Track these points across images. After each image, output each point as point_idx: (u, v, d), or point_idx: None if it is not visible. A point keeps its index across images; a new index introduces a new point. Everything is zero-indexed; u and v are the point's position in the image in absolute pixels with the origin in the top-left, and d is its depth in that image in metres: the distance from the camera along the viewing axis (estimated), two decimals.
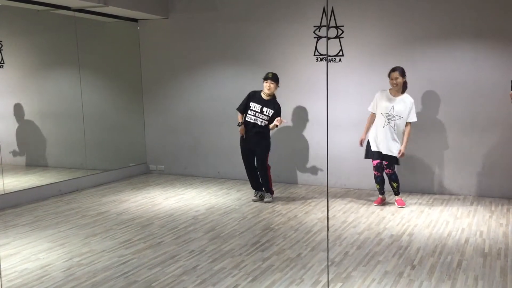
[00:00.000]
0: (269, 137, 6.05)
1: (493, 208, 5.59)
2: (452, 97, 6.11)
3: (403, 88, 5.57)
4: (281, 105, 6.03)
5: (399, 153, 5.52)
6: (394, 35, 6.30)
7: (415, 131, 5.96)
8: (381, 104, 5.57)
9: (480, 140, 6.05)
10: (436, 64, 6.13)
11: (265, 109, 5.88)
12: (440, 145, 6.24)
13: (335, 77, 6.55)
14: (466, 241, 4.49)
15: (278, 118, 5.80)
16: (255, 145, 5.95)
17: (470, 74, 6.00)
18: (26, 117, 7.04)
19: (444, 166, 6.26)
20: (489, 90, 5.93)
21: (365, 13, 6.40)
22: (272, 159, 6.38)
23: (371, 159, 5.72)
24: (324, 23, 6.51)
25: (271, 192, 6.10)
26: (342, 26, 6.46)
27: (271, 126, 5.84)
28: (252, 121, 5.91)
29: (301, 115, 6.91)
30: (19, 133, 7.02)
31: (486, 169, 6.07)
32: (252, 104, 5.92)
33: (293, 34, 6.79)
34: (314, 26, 6.62)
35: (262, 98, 5.93)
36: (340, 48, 6.50)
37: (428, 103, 6.20)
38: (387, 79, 5.97)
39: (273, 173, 6.38)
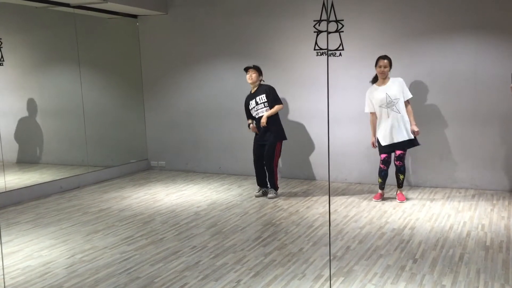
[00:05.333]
0: (279, 128, 5.97)
1: (494, 201, 5.59)
2: (453, 90, 6.10)
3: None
4: (282, 100, 6.02)
5: (414, 133, 5.49)
6: (395, 29, 6.28)
7: (417, 124, 5.93)
8: (375, 98, 5.55)
9: (481, 133, 6.04)
10: (436, 58, 6.11)
11: (258, 98, 5.91)
12: (441, 138, 6.23)
13: (336, 72, 6.54)
14: (468, 234, 4.49)
15: (263, 121, 5.81)
16: (265, 138, 5.95)
17: (470, 67, 5.99)
18: (26, 114, 7.04)
19: (446, 160, 6.25)
20: (490, 83, 5.92)
21: (365, 7, 6.37)
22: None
23: (378, 153, 5.69)
24: (324, 17, 6.48)
25: (276, 188, 6.10)
26: (342, 20, 6.41)
27: (262, 122, 5.83)
28: (257, 116, 5.93)
29: (302, 110, 6.90)
30: (19, 130, 7.02)
31: (487, 162, 6.07)
32: (249, 104, 6.00)
33: (293, 29, 6.77)
34: (314, 21, 6.56)
35: (251, 92, 5.99)
36: (340, 42, 6.47)
37: (429, 96, 6.18)
38: None
39: None
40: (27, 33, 7.05)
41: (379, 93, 5.53)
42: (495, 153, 6.01)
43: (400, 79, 5.55)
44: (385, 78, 5.55)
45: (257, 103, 5.91)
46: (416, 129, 5.49)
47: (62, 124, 7.38)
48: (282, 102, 6.02)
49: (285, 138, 6.07)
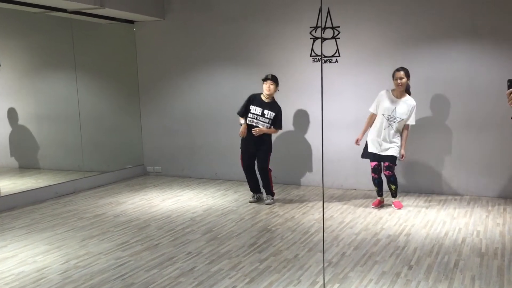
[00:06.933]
0: (270, 139, 6.01)
1: (489, 208, 5.60)
2: (449, 97, 6.12)
3: (407, 89, 5.54)
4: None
5: (401, 156, 5.52)
6: (390, 35, 6.31)
7: (412, 130, 5.95)
8: (383, 105, 5.51)
9: (476, 139, 6.07)
10: (432, 64, 6.14)
11: (266, 111, 5.83)
12: (436, 145, 6.25)
13: (332, 78, 6.56)
14: (463, 241, 4.49)
15: (257, 129, 5.79)
16: (257, 147, 5.92)
17: (466, 73, 6.02)
18: (22, 120, 7.02)
19: (441, 166, 6.27)
20: (485, 90, 5.95)
21: (361, 13, 6.40)
22: (270, 160, 6.36)
23: (369, 161, 5.70)
24: (320, 24, 6.52)
25: (272, 194, 6.09)
26: (338, 26, 6.47)
27: (256, 129, 5.81)
28: (254, 124, 5.87)
29: (298, 116, 6.91)
30: (15, 135, 7.01)
31: (482, 168, 6.08)
32: (252, 107, 5.87)
33: (290, 35, 6.80)
34: (310, 27, 6.63)
35: (263, 100, 5.88)
36: (336, 48, 6.52)
37: (424, 103, 6.21)
38: (383, 80, 6.00)
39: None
40: (24, 38, 7.05)
41: (389, 103, 5.48)
42: (491, 160, 6.03)
43: (414, 103, 5.48)
44: (402, 91, 5.47)
45: (263, 115, 5.83)
46: (403, 153, 5.52)
47: (58, 129, 7.36)
48: (282, 127, 6.05)
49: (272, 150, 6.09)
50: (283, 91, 6.80)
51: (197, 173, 7.73)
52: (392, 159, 5.53)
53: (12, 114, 6.95)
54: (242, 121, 5.93)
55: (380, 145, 5.52)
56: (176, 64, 7.63)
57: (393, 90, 5.54)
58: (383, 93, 5.59)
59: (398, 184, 5.95)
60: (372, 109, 5.66)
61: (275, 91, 5.88)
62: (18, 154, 7.17)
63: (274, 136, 6.50)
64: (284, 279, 3.70)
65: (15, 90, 7.04)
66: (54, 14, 6.69)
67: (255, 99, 5.91)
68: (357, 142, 5.76)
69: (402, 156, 5.53)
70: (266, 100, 5.88)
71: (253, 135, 5.84)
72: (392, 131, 5.48)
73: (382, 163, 5.61)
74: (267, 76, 5.86)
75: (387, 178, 5.62)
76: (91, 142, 7.46)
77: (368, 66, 6.42)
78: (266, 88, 5.82)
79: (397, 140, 5.52)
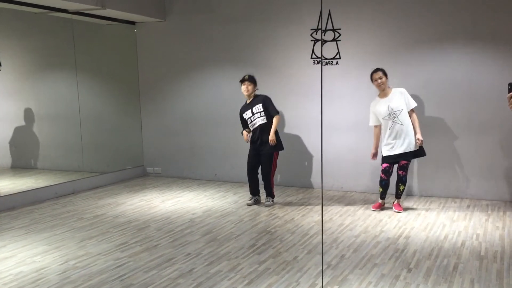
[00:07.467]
0: (278, 139, 5.93)
1: (489, 211, 5.59)
2: (449, 100, 6.12)
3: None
4: (278, 109, 6.02)
5: (418, 141, 5.46)
6: (391, 38, 6.31)
7: None
8: (378, 110, 5.56)
9: (476, 143, 6.06)
10: (432, 67, 6.14)
11: (254, 109, 5.87)
12: (436, 148, 6.24)
13: (332, 80, 6.56)
14: (463, 244, 4.49)
15: (270, 140, 5.78)
16: (263, 147, 5.91)
17: (466, 77, 6.02)
18: (22, 120, 7.03)
19: (441, 169, 6.26)
20: (485, 93, 5.94)
21: (362, 16, 6.41)
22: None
23: (380, 162, 5.68)
24: (320, 26, 6.53)
25: (272, 196, 6.08)
26: (339, 29, 6.48)
27: (270, 141, 5.80)
28: (253, 126, 5.90)
29: (297, 118, 6.91)
30: (15, 135, 7.01)
31: (482, 172, 6.08)
32: (244, 115, 5.96)
33: (290, 37, 6.80)
34: (311, 29, 6.63)
35: (247, 103, 5.97)
36: (337, 51, 6.52)
37: (424, 106, 6.21)
38: None
39: None
40: (25, 38, 7.06)
41: (381, 105, 5.53)
42: (490, 163, 6.03)
43: (403, 90, 5.54)
44: (385, 89, 5.53)
45: (253, 113, 5.87)
46: (420, 137, 5.46)
47: (59, 130, 7.37)
48: (278, 111, 6.01)
49: (281, 149, 6.03)
50: (283, 93, 6.82)
51: (197, 174, 7.73)
52: (408, 156, 5.49)
53: (12, 114, 6.94)
54: (245, 131, 5.99)
55: (397, 144, 5.47)
56: (177, 65, 7.64)
57: (378, 95, 5.63)
58: (371, 104, 5.68)
59: None
60: (371, 123, 5.71)
61: (253, 91, 5.91)
62: (19, 154, 7.17)
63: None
64: (283, 281, 3.69)
65: (16, 90, 7.04)
66: (55, 14, 6.69)
67: (242, 108, 6.03)
68: (373, 157, 5.73)
69: (419, 140, 5.46)
70: (249, 100, 5.95)
71: (261, 136, 5.84)
72: (398, 126, 5.44)
73: (397, 163, 5.56)
74: (244, 77, 5.93)
75: (399, 177, 5.60)
76: (91, 142, 7.46)
77: (369, 68, 6.39)
78: (244, 89, 5.90)
79: (410, 131, 5.44)
